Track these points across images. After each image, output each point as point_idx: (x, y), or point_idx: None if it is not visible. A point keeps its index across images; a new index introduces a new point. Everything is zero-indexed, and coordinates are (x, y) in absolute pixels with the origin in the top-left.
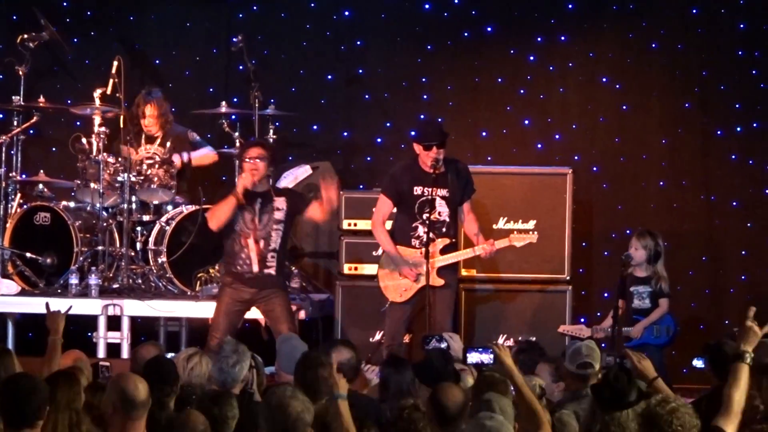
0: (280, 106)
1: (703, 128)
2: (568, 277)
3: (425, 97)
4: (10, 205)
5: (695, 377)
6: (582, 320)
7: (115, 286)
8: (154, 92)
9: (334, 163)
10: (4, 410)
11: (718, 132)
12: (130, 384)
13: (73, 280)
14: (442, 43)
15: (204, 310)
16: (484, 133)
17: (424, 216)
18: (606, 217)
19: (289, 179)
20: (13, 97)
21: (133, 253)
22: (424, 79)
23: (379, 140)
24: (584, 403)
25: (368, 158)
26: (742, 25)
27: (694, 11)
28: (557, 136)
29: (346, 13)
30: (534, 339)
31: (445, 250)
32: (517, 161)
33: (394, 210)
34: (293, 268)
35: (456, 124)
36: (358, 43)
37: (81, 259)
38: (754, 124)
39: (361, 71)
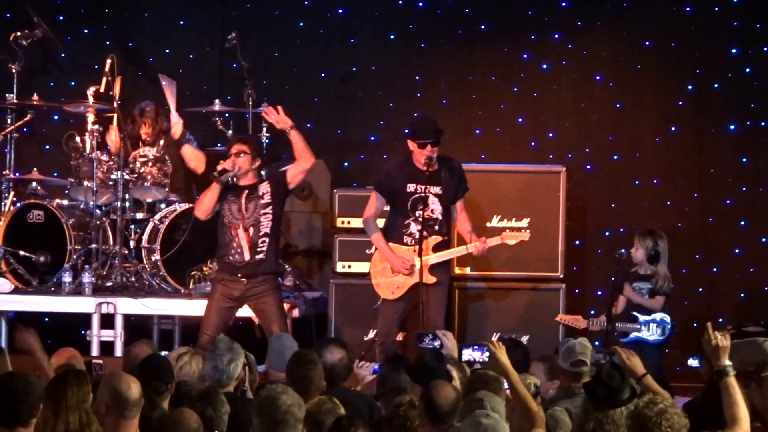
0: (273, 104)
1: (696, 126)
2: (561, 276)
3: (419, 95)
4: (3, 203)
5: (690, 376)
6: None
7: (109, 284)
8: (145, 104)
9: (327, 161)
10: None
11: (712, 130)
12: (123, 383)
13: (67, 278)
14: (435, 41)
15: (197, 308)
16: (477, 131)
17: (417, 213)
18: (599, 215)
19: None
20: (7, 95)
21: (126, 251)
22: (417, 77)
23: (372, 138)
24: (577, 400)
25: (362, 156)
26: (735, 23)
27: (688, 9)
28: (551, 134)
29: (340, 10)
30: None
31: (437, 248)
32: (510, 159)
33: (386, 207)
34: (286, 266)
35: (450, 122)
36: (352, 41)
37: (74, 257)
38: (748, 123)
39: (354, 69)
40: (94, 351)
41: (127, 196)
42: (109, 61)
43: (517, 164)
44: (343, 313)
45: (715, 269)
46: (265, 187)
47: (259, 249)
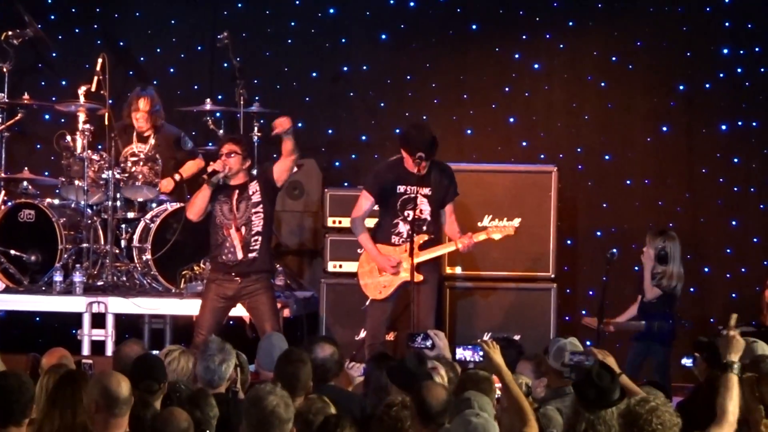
0: (264, 104)
1: (688, 126)
2: (552, 275)
3: (410, 94)
4: None
5: (683, 376)
6: (567, 318)
7: (100, 283)
8: (148, 89)
9: (318, 161)
10: None
11: (703, 130)
12: (112, 381)
13: (58, 277)
14: (426, 41)
15: (188, 307)
16: (469, 131)
17: (406, 213)
18: (591, 215)
19: None
20: None
21: (117, 251)
22: (408, 77)
23: (363, 138)
24: (567, 400)
25: (353, 156)
26: (727, 24)
27: (679, 9)
28: (542, 134)
29: (331, 10)
30: (513, 337)
31: (424, 246)
32: (501, 159)
33: (375, 208)
34: (278, 265)
35: (441, 122)
36: (343, 40)
37: (65, 256)
38: (739, 123)
39: (345, 69)
40: (85, 350)
41: (118, 196)
42: (100, 60)
43: (508, 164)
44: (334, 313)
45: (706, 269)
46: (254, 186)
47: (251, 248)
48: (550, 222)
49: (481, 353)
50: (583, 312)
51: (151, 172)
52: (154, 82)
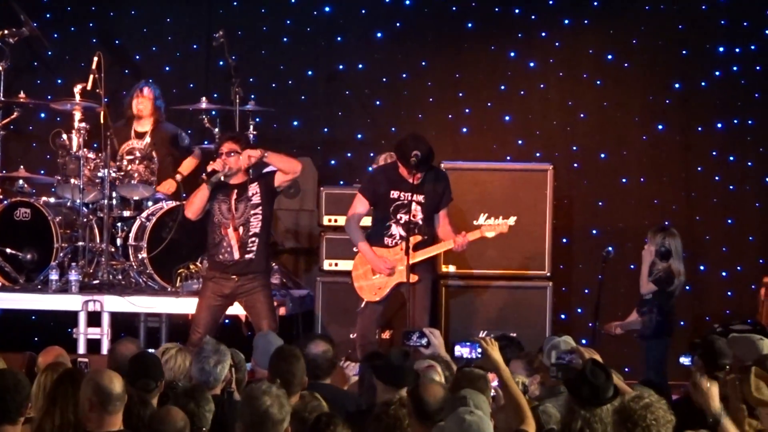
0: (260, 102)
1: (683, 125)
2: (548, 274)
3: (405, 93)
4: None
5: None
6: (562, 317)
7: (96, 281)
8: (153, 83)
9: (314, 159)
10: None
11: (699, 128)
12: (105, 378)
13: (54, 275)
14: (422, 40)
15: (184, 306)
16: (464, 130)
17: (399, 216)
18: (586, 214)
19: None
20: None
21: (113, 249)
22: (404, 75)
23: (359, 136)
24: (561, 399)
25: (348, 154)
26: (722, 22)
27: (675, 7)
28: (538, 133)
29: (327, 9)
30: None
31: (417, 247)
32: (497, 157)
33: (371, 209)
34: (273, 264)
35: (436, 121)
36: (338, 39)
37: (61, 254)
38: (735, 121)
39: (341, 67)
40: (81, 349)
41: (114, 194)
42: (95, 58)
43: (503, 162)
44: (329, 311)
45: (702, 267)
46: (254, 188)
47: (248, 249)
48: (546, 220)
49: (479, 350)
50: (578, 311)
51: (147, 171)
52: (150, 81)
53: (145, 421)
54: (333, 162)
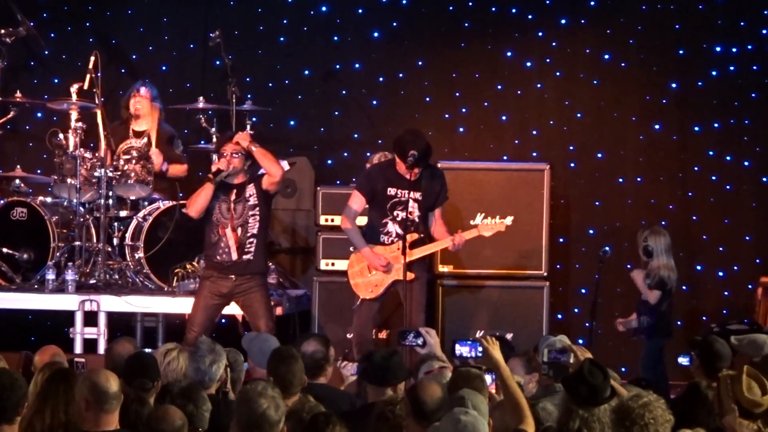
0: (257, 102)
1: (680, 124)
2: (545, 273)
3: (402, 92)
4: None
5: (680, 374)
6: (559, 316)
7: (92, 281)
8: (150, 83)
9: (310, 159)
10: None
11: (696, 128)
12: (101, 377)
13: (50, 275)
14: (419, 39)
15: (181, 305)
16: (461, 129)
17: (396, 213)
18: (583, 213)
19: None
20: None
21: (110, 249)
22: (401, 75)
23: (355, 136)
24: (557, 398)
25: (345, 154)
26: (719, 21)
27: (672, 7)
28: (534, 132)
29: (323, 8)
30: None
31: (414, 245)
32: (494, 157)
33: (366, 206)
34: (270, 263)
35: (433, 120)
36: (335, 38)
37: (58, 254)
38: (732, 121)
39: (337, 67)
40: (78, 348)
41: (110, 194)
42: (92, 58)
43: (500, 162)
44: (326, 311)
45: (698, 267)
46: (251, 189)
47: (246, 249)
48: (543, 220)
49: (479, 349)
50: (575, 310)
51: (144, 171)
52: (146, 80)
53: (143, 421)
54: (330, 162)
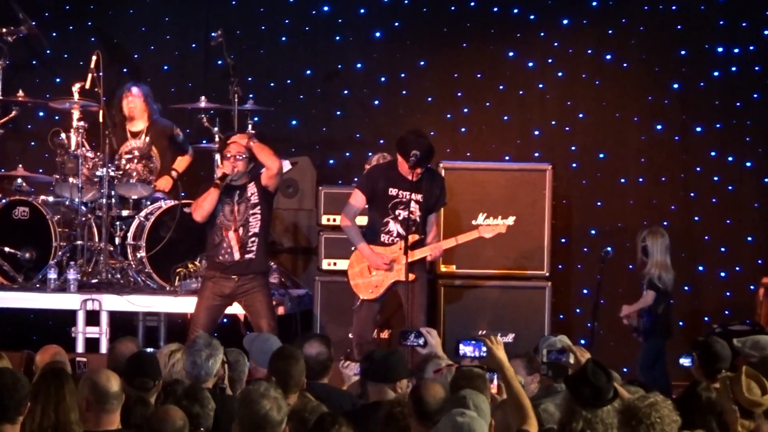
0: (258, 101)
1: (682, 125)
2: (547, 273)
3: (404, 92)
4: None
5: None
6: (560, 317)
7: (94, 281)
8: (139, 83)
9: (312, 159)
10: None
11: (698, 128)
12: (102, 377)
13: (52, 274)
14: (420, 39)
15: (183, 305)
16: (463, 129)
17: (397, 212)
18: (585, 213)
19: None
20: None
21: (111, 248)
22: (402, 75)
23: (357, 136)
24: (558, 399)
25: (347, 154)
26: (721, 22)
27: (674, 8)
28: (536, 132)
29: (325, 8)
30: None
31: (414, 246)
32: (496, 157)
33: (366, 206)
34: (272, 263)
35: (435, 120)
36: (337, 38)
37: (60, 253)
38: (734, 121)
39: (339, 66)
40: (80, 348)
41: (112, 193)
42: (94, 57)
43: (502, 162)
44: (328, 311)
45: (700, 268)
46: (252, 188)
47: (248, 249)
48: (545, 220)
49: (483, 349)
50: (577, 311)
51: (146, 170)
52: (148, 80)
53: (145, 420)
54: (331, 161)
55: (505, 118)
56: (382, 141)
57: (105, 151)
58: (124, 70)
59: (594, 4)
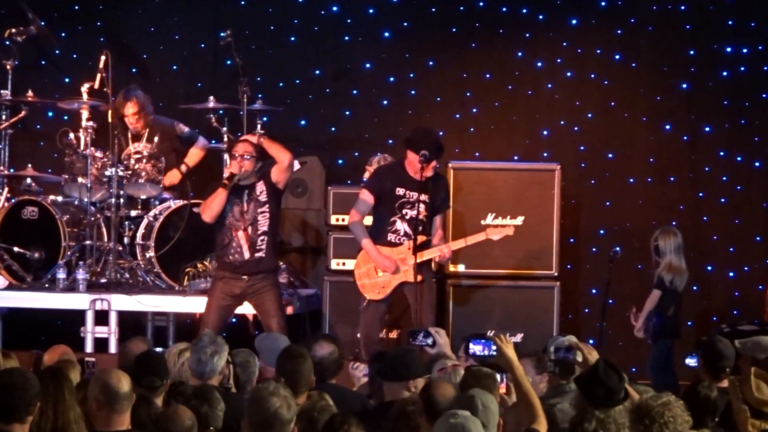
0: (267, 101)
1: (690, 125)
2: (555, 273)
3: (412, 92)
4: None
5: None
6: (569, 316)
7: (103, 280)
8: (132, 90)
9: (321, 158)
10: None
11: (706, 128)
12: (112, 377)
13: (61, 274)
14: (429, 39)
15: (192, 305)
16: (471, 129)
17: (404, 212)
18: (593, 213)
19: None
20: (1, 92)
21: (120, 248)
22: (411, 75)
23: (366, 135)
24: (567, 399)
25: (356, 153)
26: (730, 22)
27: (683, 8)
28: (545, 132)
29: (334, 8)
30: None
31: (421, 247)
32: (504, 157)
33: (373, 206)
34: (281, 263)
35: (443, 120)
36: (346, 38)
37: (69, 253)
38: (742, 121)
39: (348, 66)
40: (88, 348)
41: (121, 193)
42: (103, 57)
43: (511, 162)
44: (337, 310)
45: (709, 267)
46: (260, 186)
47: (258, 247)
48: (553, 220)
49: (493, 348)
50: (586, 311)
51: (154, 170)
52: (157, 80)
53: (152, 420)
54: (340, 161)
55: (514, 118)
56: (390, 141)
57: (114, 151)
58: (133, 69)
59: (602, 4)
